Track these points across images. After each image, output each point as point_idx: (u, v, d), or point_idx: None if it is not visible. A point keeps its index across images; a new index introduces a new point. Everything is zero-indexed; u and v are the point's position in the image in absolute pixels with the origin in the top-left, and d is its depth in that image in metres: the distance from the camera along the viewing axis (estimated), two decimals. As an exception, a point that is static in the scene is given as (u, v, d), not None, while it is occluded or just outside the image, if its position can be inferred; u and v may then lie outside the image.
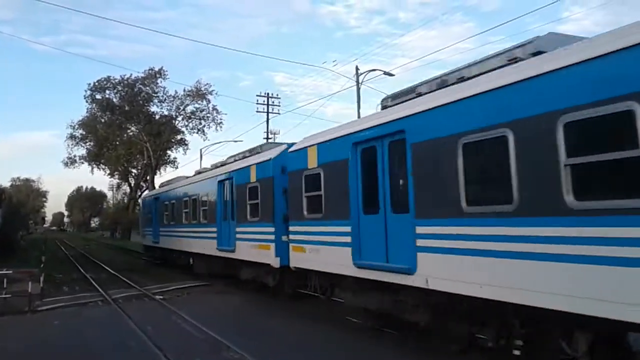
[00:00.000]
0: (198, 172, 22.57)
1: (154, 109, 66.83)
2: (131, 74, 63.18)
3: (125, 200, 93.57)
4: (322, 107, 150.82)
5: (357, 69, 33.85)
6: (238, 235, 15.50)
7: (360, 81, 33.43)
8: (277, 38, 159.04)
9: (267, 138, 47.57)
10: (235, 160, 17.20)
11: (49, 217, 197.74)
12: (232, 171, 16.46)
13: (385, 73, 32.55)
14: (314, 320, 11.73)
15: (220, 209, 17.30)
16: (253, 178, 14.66)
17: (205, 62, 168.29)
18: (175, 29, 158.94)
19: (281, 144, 14.65)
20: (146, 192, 30.50)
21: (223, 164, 18.64)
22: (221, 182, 17.35)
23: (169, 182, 27.41)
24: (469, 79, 7.77)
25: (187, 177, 23.62)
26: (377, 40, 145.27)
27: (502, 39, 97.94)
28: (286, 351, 9.33)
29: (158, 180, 78.84)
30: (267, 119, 48.19)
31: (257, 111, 48.38)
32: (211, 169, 20.26)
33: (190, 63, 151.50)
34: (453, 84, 8.00)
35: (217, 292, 17.03)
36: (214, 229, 17.61)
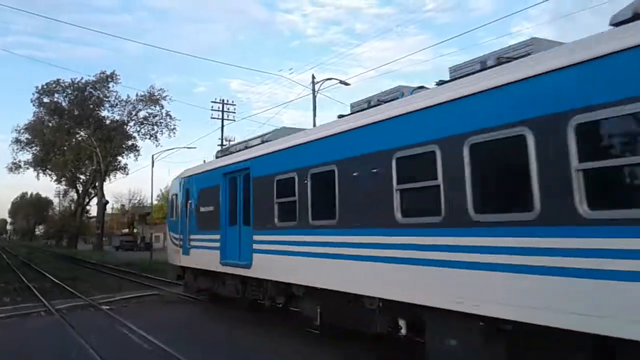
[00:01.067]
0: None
1: (104, 113, 65.72)
2: (82, 78, 61.78)
3: (73, 207, 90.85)
4: (278, 114, 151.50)
5: (313, 77, 34.16)
6: None
7: (316, 90, 33.71)
8: (233, 45, 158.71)
9: (222, 145, 47.17)
10: None
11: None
12: None
13: (341, 82, 32.97)
14: (269, 331, 11.62)
15: None
16: None
17: (160, 67, 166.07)
18: (130, 33, 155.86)
19: None
20: (196, 165, 16.84)
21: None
22: None
23: (260, 140, 12.83)
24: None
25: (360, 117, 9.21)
26: (333, 50, 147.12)
27: (454, 52, 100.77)
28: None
29: (108, 186, 76.91)
30: (222, 126, 47.83)
31: (211, 117, 47.98)
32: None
33: (144, 68, 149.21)
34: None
35: (168, 301, 16.71)
36: None
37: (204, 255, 14.45)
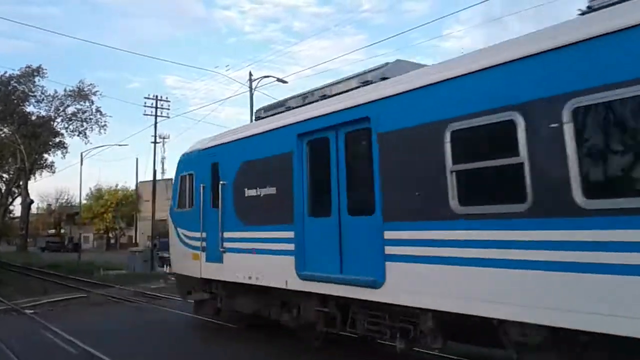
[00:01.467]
0: None
1: (30, 109, 62.59)
2: (5, 72, 58.74)
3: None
4: (214, 112, 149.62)
5: (250, 74, 34.11)
6: None
7: (253, 87, 33.68)
8: (170, 41, 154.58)
9: (155, 142, 46.28)
10: None
11: None
12: None
13: (279, 80, 33.07)
14: (206, 330, 11.69)
15: None
16: None
17: (91, 62, 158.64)
18: (61, 26, 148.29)
19: None
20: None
21: None
22: None
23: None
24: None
25: None
26: (271, 48, 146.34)
27: (389, 52, 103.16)
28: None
29: (33, 185, 73.50)
30: (155, 122, 46.79)
31: (144, 114, 46.90)
32: None
33: (75, 63, 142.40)
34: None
35: (96, 303, 16.34)
36: None
37: (257, 264, 9.53)
